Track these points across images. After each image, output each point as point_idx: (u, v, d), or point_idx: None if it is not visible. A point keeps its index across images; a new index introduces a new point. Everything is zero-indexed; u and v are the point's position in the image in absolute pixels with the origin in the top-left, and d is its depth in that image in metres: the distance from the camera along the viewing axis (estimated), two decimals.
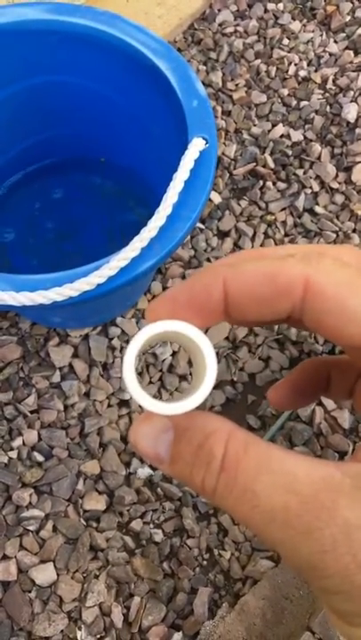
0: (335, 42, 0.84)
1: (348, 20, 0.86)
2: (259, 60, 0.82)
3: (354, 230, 0.70)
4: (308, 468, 0.15)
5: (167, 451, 0.17)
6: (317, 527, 0.14)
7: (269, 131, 0.76)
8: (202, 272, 0.18)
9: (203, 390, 0.17)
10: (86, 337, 0.62)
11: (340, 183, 0.73)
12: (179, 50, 0.83)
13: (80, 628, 0.51)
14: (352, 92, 0.78)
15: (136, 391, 0.17)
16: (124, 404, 0.60)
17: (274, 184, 0.73)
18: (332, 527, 0.14)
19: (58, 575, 0.52)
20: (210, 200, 0.71)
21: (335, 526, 0.14)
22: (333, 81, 0.80)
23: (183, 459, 0.16)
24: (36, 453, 0.57)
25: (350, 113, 0.76)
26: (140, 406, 0.17)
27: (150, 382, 0.61)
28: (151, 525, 0.56)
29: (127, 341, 0.63)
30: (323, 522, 0.14)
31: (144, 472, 0.58)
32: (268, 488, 0.15)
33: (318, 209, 0.71)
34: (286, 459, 0.15)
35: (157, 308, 0.18)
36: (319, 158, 0.74)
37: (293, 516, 0.14)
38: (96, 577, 0.53)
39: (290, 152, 0.74)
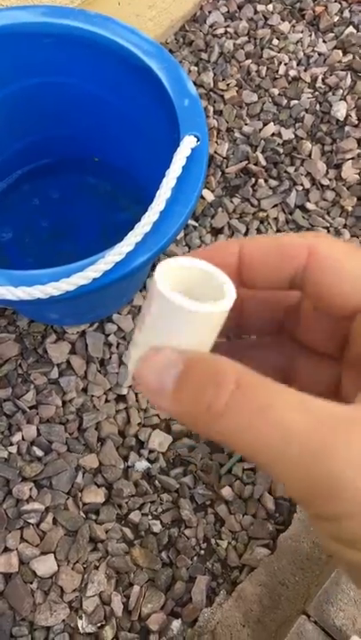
0: (324, 42, 0.86)
1: (336, 20, 0.87)
2: (249, 61, 0.83)
3: (345, 226, 0.72)
4: (321, 400, 0.15)
5: (173, 381, 0.16)
6: (336, 443, 0.14)
7: (261, 129, 0.78)
8: (221, 241, 0.20)
9: (230, 290, 0.17)
10: (83, 334, 0.63)
11: (330, 180, 0.74)
12: (170, 51, 0.84)
13: (81, 617, 0.52)
14: (341, 91, 0.80)
15: (174, 295, 0.17)
16: (122, 399, 0.61)
17: (266, 181, 0.74)
18: (353, 443, 0.14)
19: (58, 566, 0.53)
20: (203, 198, 0.72)
21: (356, 442, 0.14)
22: (323, 80, 0.82)
23: (192, 383, 0.16)
24: (35, 448, 0.58)
25: (340, 111, 0.77)
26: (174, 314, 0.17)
27: None
28: (149, 517, 0.57)
29: (123, 337, 0.64)
30: (341, 437, 0.14)
31: (142, 465, 0.59)
32: (289, 404, 0.15)
33: (310, 205, 0.72)
34: (299, 392, 0.15)
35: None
36: (310, 156, 0.75)
37: (313, 432, 0.14)
38: (96, 567, 0.54)
39: (281, 150, 0.76)
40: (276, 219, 0.72)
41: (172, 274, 0.18)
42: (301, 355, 0.23)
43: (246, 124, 0.78)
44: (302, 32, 0.87)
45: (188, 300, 0.16)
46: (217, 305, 0.17)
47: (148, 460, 0.59)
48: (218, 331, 0.18)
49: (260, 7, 0.88)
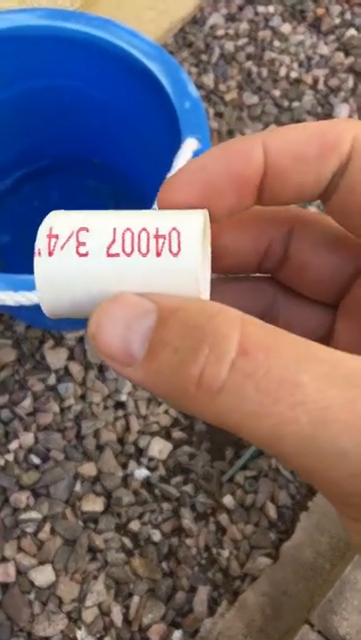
0: (325, 44, 0.85)
1: (337, 22, 0.87)
2: (250, 62, 0.83)
3: None
4: (352, 358, 0.11)
5: (143, 342, 0.12)
6: None
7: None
8: (236, 139, 0.15)
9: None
10: (81, 339, 0.62)
11: None
12: (170, 53, 0.83)
13: (80, 628, 0.51)
14: (343, 93, 0.79)
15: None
16: (121, 405, 0.61)
17: None
18: None
19: (57, 576, 0.53)
20: None
21: None
22: (324, 82, 0.81)
23: (169, 345, 0.11)
24: (32, 456, 0.57)
25: (342, 113, 0.77)
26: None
27: None
28: (149, 526, 0.56)
29: None
30: None
31: (141, 473, 0.58)
32: (320, 378, 0.11)
33: (311, 208, 0.72)
34: (334, 350, 0.11)
35: (184, 183, 0.14)
36: None
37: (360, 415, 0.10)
38: (95, 577, 0.53)
39: None
40: None
41: None
42: (286, 300, 0.18)
43: (247, 127, 0.78)
44: (303, 34, 0.86)
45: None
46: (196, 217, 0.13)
47: (148, 467, 0.58)
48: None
49: (260, 9, 0.88)
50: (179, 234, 0.13)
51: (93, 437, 0.59)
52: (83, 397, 0.60)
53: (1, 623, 0.51)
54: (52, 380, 0.61)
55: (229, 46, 0.83)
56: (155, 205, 0.41)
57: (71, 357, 0.62)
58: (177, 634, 0.52)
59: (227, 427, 0.11)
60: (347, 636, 0.50)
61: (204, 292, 0.14)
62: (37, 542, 0.54)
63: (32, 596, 0.52)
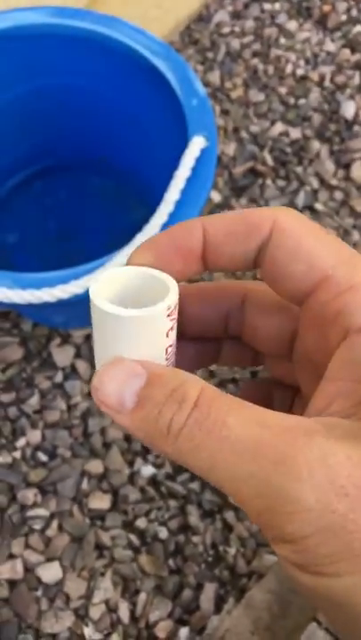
0: (332, 40, 0.85)
1: (343, 18, 0.86)
2: (256, 60, 0.83)
3: (354, 227, 0.71)
4: (280, 414, 0.15)
5: (133, 396, 0.16)
6: (292, 455, 0.13)
7: (268, 129, 0.77)
8: (181, 222, 0.19)
9: (171, 289, 0.17)
10: (88, 337, 0.62)
11: (339, 180, 0.73)
12: (176, 51, 0.83)
13: (87, 625, 0.51)
14: (349, 90, 0.79)
15: (103, 303, 0.16)
16: None
17: (273, 182, 0.73)
18: (308, 453, 0.13)
19: (64, 573, 0.53)
20: (210, 199, 0.72)
21: (311, 453, 0.13)
22: (331, 79, 0.81)
23: (153, 400, 0.15)
24: (40, 453, 0.57)
25: (348, 110, 0.77)
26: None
27: None
28: (156, 523, 0.56)
29: None
30: (297, 449, 0.13)
31: (148, 471, 0.58)
32: (241, 420, 0.14)
33: (318, 206, 0.72)
34: (258, 406, 0.15)
35: (139, 254, 0.18)
36: (318, 155, 0.74)
37: (267, 446, 0.14)
38: (102, 574, 0.53)
39: (289, 150, 0.75)
40: None
41: (116, 283, 0.18)
42: (253, 357, 0.22)
43: (253, 124, 0.78)
44: (310, 31, 0.86)
45: (117, 307, 0.16)
46: (150, 308, 0.16)
47: (154, 465, 0.58)
48: (167, 335, 0.17)
49: (266, 6, 0.87)
50: None
51: (100, 435, 0.59)
52: (89, 395, 0.60)
53: (9, 620, 0.51)
54: (58, 377, 0.61)
55: (235, 44, 0.83)
56: (162, 205, 0.41)
57: (78, 355, 0.62)
58: (184, 631, 0.52)
59: (184, 463, 0.15)
60: None
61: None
62: (45, 539, 0.54)
63: (39, 592, 0.52)
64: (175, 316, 0.17)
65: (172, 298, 0.17)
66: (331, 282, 0.17)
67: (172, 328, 0.17)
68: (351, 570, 0.13)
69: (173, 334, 0.18)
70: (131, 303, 0.17)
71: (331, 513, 0.13)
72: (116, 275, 0.18)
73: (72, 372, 0.61)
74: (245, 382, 0.24)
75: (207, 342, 0.22)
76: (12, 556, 0.53)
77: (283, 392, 0.22)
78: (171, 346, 0.18)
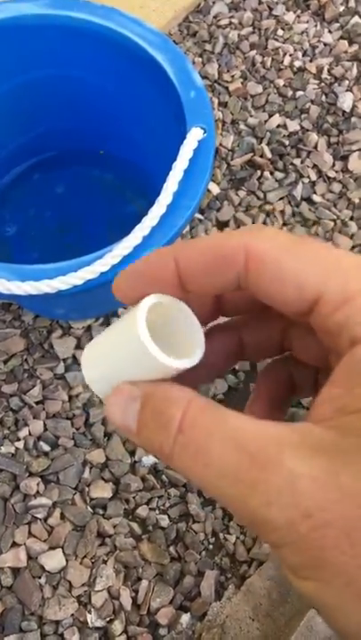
0: (329, 32, 0.85)
1: (341, 10, 0.86)
2: (254, 52, 0.83)
3: (351, 218, 0.71)
4: (258, 426, 0.16)
5: (134, 420, 0.17)
6: (263, 479, 0.14)
7: (266, 121, 0.77)
8: (154, 251, 0.19)
9: (200, 346, 0.19)
10: (89, 328, 0.63)
11: (337, 172, 0.73)
12: (174, 42, 0.83)
13: (90, 612, 0.52)
14: (347, 82, 0.79)
15: (152, 345, 0.17)
16: None
17: (271, 174, 0.74)
18: (277, 478, 0.14)
19: (67, 561, 0.53)
20: (208, 191, 0.72)
21: (280, 477, 0.14)
22: (329, 71, 0.81)
23: (147, 425, 0.17)
24: (42, 443, 0.58)
25: (346, 102, 0.77)
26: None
27: None
28: (157, 511, 0.57)
29: None
30: (268, 473, 0.14)
31: (149, 460, 0.59)
32: (220, 447, 0.15)
33: (316, 198, 0.72)
34: (239, 418, 0.16)
35: (123, 283, 0.19)
36: (316, 147, 0.75)
37: (243, 471, 0.15)
38: (104, 562, 0.54)
39: (287, 142, 0.75)
40: (282, 211, 0.72)
41: (151, 313, 0.18)
42: (308, 373, 0.23)
43: (251, 116, 0.78)
44: (307, 22, 0.86)
45: (164, 355, 0.17)
46: (186, 361, 0.18)
47: (155, 455, 0.59)
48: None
49: None
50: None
51: (101, 425, 0.59)
52: None
53: (12, 607, 0.52)
54: (60, 368, 0.61)
55: (233, 35, 0.83)
56: (161, 197, 0.41)
57: (79, 346, 0.62)
58: (185, 617, 0.53)
59: (184, 477, 0.17)
60: None
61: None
62: (48, 528, 0.55)
63: (43, 580, 0.53)
64: None
65: (201, 349, 0.19)
66: (325, 299, 0.17)
67: None
68: (315, 577, 0.15)
69: None
70: (159, 327, 0.18)
71: (296, 532, 0.14)
72: (152, 305, 0.18)
73: (73, 363, 0.62)
74: (265, 366, 0.24)
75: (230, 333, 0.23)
76: (15, 545, 0.54)
77: (304, 370, 0.23)
78: None
